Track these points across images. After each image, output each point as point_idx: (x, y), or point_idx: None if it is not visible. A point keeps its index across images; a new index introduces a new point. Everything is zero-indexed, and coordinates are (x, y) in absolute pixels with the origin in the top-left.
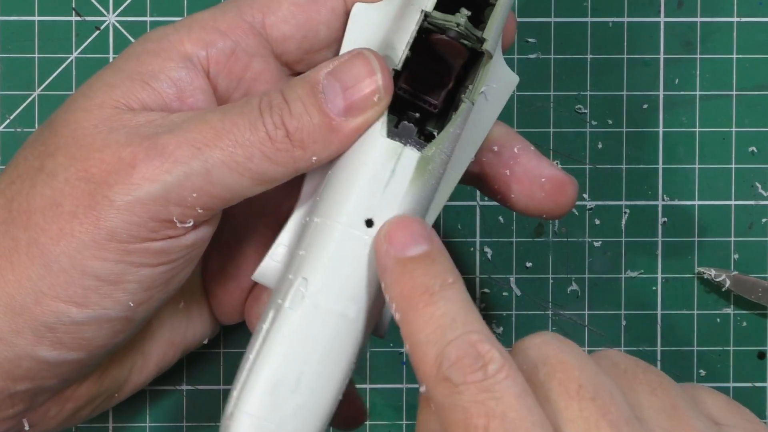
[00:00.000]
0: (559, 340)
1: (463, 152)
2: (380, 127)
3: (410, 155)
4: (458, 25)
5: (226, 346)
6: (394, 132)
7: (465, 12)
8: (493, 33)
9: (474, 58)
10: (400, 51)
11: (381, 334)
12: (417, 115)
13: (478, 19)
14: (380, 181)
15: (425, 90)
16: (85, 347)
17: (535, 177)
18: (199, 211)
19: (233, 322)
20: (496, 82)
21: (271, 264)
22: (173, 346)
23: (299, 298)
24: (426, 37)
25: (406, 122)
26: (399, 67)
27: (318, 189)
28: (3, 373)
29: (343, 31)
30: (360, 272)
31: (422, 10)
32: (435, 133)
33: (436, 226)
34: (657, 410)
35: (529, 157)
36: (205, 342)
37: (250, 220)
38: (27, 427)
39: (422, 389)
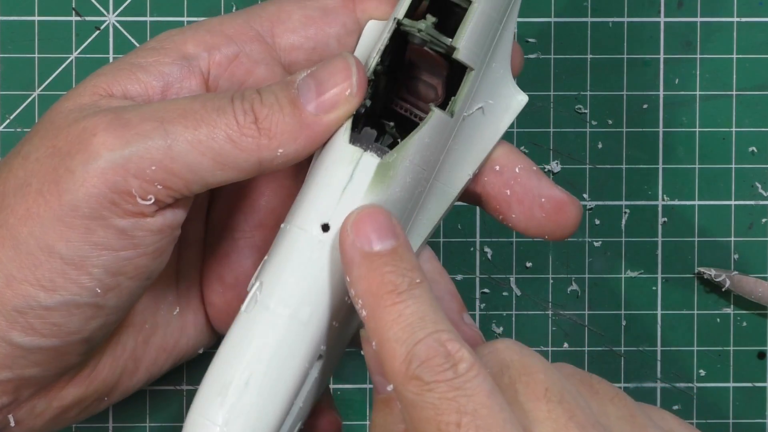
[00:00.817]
0: (521, 347)
1: (457, 167)
2: (342, 132)
3: (370, 161)
4: (419, 30)
5: None
6: (355, 138)
7: (431, 18)
8: (464, 40)
9: (459, 71)
10: (371, 58)
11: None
12: (392, 123)
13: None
14: (338, 185)
15: (415, 102)
16: (57, 333)
17: (535, 197)
18: (158, 187)
19: None
20: (496, 99)
21: None
22: (165, 352)
23: (254, 303)
24: (404, 45)
25: (368, 128)
26: (369, 72)
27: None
28: None
29: (353, 46)
30: (314, 275)
31: (395, 18)
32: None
33: None
34: (617, 417)
35: (530, 177)
36: (200, 352)
37: (248, 231)
38: (13, 423)
39: (389, 388)
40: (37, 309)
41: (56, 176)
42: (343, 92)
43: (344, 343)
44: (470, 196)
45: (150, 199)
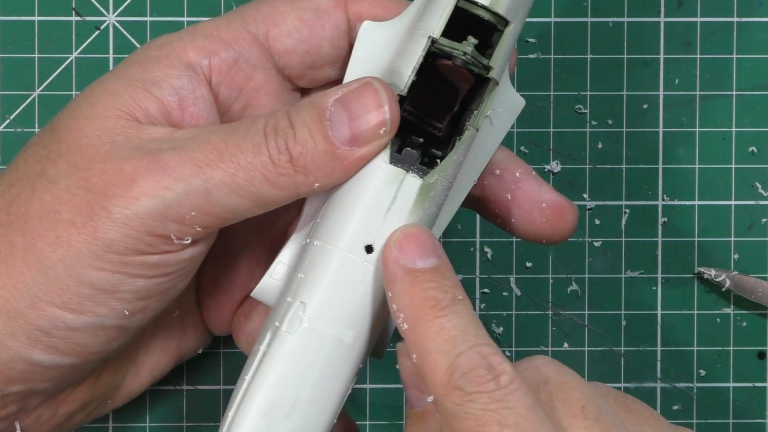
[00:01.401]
0: (559, 364)
1: (466, 176)
2: (383, 153)
3: (412, 182)
4: (465, 54)
5: (226, 346)
6: (396, 158)
7: (472, 40)
8: (500, 61)
9: (480, 83)
10: (406, 76)
11: (381, 356)
12: (421, 140)
13: (485, 44)
14: (381, 207)
15: (430, 113)
16: (79, 353)
17: (536, 201)
18: (197, 229)
19: (225, 333)
20: (502, 106)
21: (270, 282)
22: (167, 354)
23: (297, 322)
24: (432, 61)
25: (409, 149)
26: (404, 92)
27: (319, 211)
28: None
29: (346, 50)
30: (358, 298)
31: (429, 36)
32: (438, 160)
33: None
34: None
35: (530, 182)
36: (200, 352)
37: (243, 234)
38: (18, 431)
39: (429, 399)
40: (63, 329)
41: (91, 213)
42: (377, 130)
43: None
44: (469, 200)
45: (188, 240)
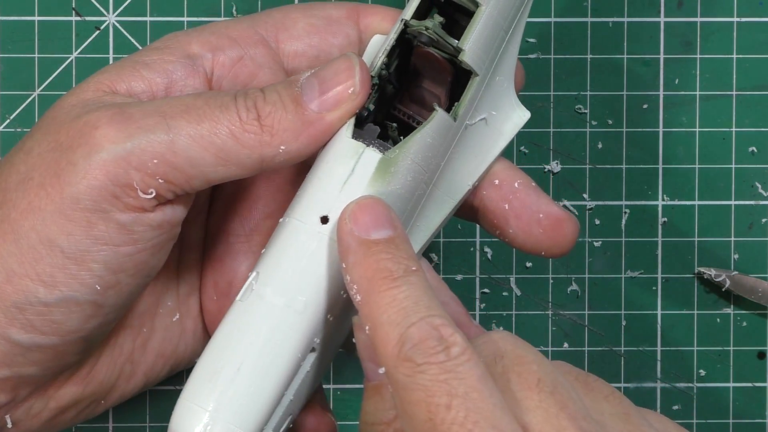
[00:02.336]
0: (516, 338)
1: (457, 177)
2: (345, 128)
3: (372, 156)
4: (427, 28)
5: None
6: (358, 133)
7: (438, 18)
8: (470, 42)
9: (464, 77)
10: (378, 58)
11: (351, 350)
12: (394, 125)
13: (460, 29)
14: (339, 179)
15: (421, 112)
16: (56, 331)
17: (533, 213)
18: (159, 180)
19: None
20: (499, 111)
21: None
22: (163, 358)
23: (249, 291)
24: (410, 50)
25: (371, 124)
26: (375, 72)
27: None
28: None
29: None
30: (311, 267)
31: (402, 19)
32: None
33: None
34: (611, 414)
35: (529, 193)
36: (197, 360)
37: (243, 235)
38: (10, 424)
39: (381, 371)
40: (37, 305)
41: (58, 169)
42: (346, 90)
43: (339, 339)
44: (468, 210)
45: (151, 193)
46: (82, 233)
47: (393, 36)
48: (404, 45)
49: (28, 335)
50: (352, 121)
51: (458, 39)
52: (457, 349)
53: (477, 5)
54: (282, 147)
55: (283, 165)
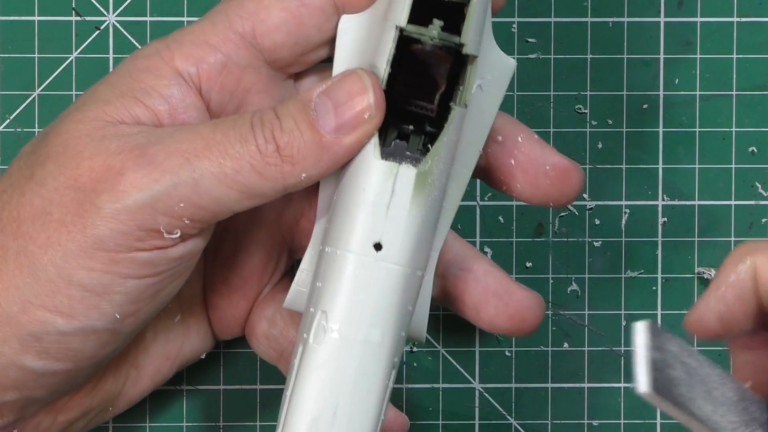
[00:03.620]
0: None
1: (468, 150)
2: (373, 149)
3: (407, 173)
4: (432, 38)
5: (226, 346)
6: (387, 152)
7: (438, 23)
8: (470, 35)
9: (460, 59)
10: (381, 69)
11: (422, 339)
12: (411, 127)
13: (455, 21)
14: (381, 203)
15: (419, 95)
16: (71, 358)
17: (540, 165)
18: (186, 222)
19: (233, 336)
20: (491, 72)
21: (298, 290)
22: (168, 360)
23: (322, 332)
24: (406, 47)
25: (397, 140)
26: (383, 86)
27: (329, 212)
28: None
29: (334, 30)
30: (377, 296)
31: (396, 26)
32: (430, 146)
33: None
34: None
35: (533, 146)
36: (202, 357)
37: (251, 230)
38: None
39: None
40: (54, 334)
41: (81, 210)
42: (362, 115)
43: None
44: (474, 169)
45: (177, 234)
46: (104, 269)
47: (392, 45)
48: (403, 44)
49: (42, 362)
50: (376, 140)
51: (449, 28)
52: None
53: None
54: (304, 175)
55: (305, 186)
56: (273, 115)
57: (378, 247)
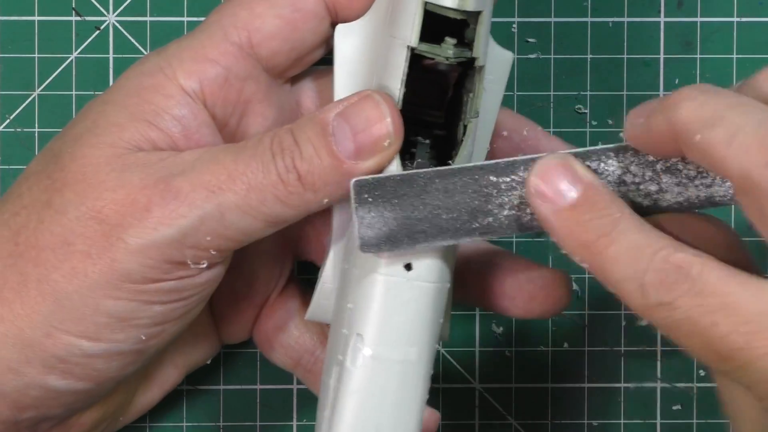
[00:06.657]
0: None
1: (478, 149)
2: (395, 169)
3: None
4: (447, 58)
5: (227, 346)
6: (408, 168)
7: (451, 41)
8: (482, 48)
9: (468, 65)
10: (396, 90)
11: (445, 338)
12: (427, 141)
13: (461, 31)
14: None
15: (427, 103)
16: (95, 378)
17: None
18: (212, 253)
19: (239, 340)
20: (493, 71)
21: (320, 303)
22: (177, 368)
23: (359, 355)
24: (418, 62)
25: (420, 160)
26: (399, 106)
27: (349, 232)
28: (10, 403)
29: (329, 30)
30: (411, 316)
31: (408, 47)
32: (450, 161)
33: None
34: None
35: (539, 138)
36: (208, 362)
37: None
38: None
39: (643, 323)
40: (79, 356)
41: (107, 243)
42: (381, 142)
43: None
44: None
45: (203, 263)
46: (131, 298)
47: (405, 65)
48: (412, 63)
49: (65, 381)
50: (397, 161)
51: (458, 41)
52: (697, 267)
53: (478, 14)
54: (325, 200)
55: (325, 208)
56: (292, 140)
57: (408, 267)
